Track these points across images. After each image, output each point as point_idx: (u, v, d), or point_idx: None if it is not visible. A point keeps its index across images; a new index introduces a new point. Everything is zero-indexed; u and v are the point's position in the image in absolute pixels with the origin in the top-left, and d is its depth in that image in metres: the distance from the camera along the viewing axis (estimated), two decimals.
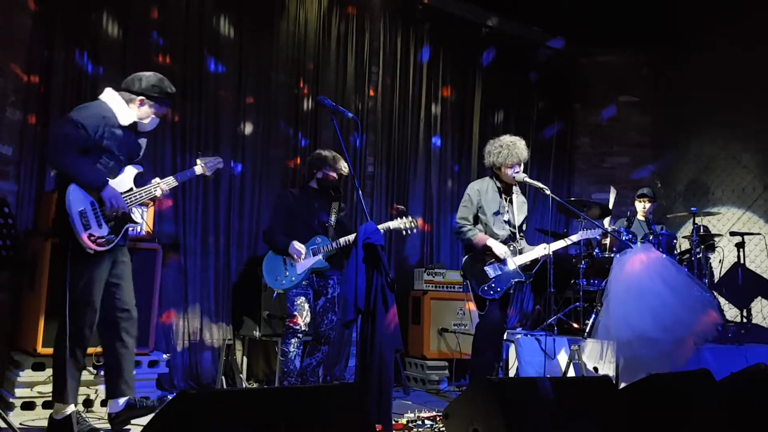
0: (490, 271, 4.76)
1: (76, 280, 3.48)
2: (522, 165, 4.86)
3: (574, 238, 5.01)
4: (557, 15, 7.63)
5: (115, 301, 3.66)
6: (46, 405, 4.09)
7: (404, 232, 4.77)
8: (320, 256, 4.66)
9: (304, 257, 4.62)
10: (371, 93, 6.69)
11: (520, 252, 4.84)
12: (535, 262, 4.93)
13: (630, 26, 7.63)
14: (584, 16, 7.54)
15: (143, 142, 3.88)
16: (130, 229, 3.74)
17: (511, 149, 4.80)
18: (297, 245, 4.62)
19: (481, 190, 4.91)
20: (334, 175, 4.83)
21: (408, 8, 7.04)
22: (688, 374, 3.42)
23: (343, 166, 4.82)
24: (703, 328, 4.33)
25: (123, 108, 3.66)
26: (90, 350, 3.95)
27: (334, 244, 4.68)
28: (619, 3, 7.13)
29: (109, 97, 3.69)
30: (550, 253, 4.79)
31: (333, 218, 4.86)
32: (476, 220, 4.92)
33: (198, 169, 4.00)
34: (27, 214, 4.72)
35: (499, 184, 4.92)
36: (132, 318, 3.72)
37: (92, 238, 3.46)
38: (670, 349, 4.22)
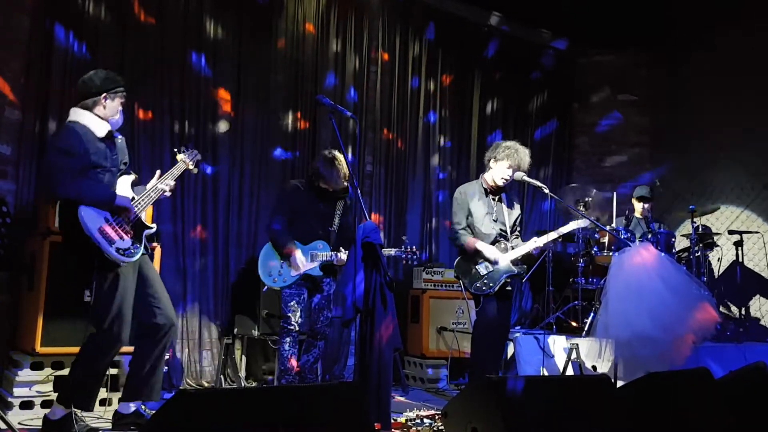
0: (482, 269, 4.81)
1: (110, 293, 3.50)
2: (515, 173, 4.87)
3: (563, 230, 5.00)
4: (557, 15, 7.63)
5: (156, 313, 3.70)
6: (44, 404, 4.08)
7: (404, 261, 4.83)
8: (317, 264, 4.64)
9: (303, 266, 4.60)
10: (369, 91, 6.69)
11: (512, 249, 4.87)
12: (529, 257, 4.95)
13: (629, 26, 7.63)
14: (583, 17, 7.54)
15: (122, 142, 3.81)
16: (147, 234, 3.74)
17: (518, 151, 4.86)
18: (299, 258, 4.58)
19: (467, 192, 4.98)
20: (330, 189, 4.75)
21: (407, 7, 7.03)
22: (686, 373, 3.42)
23: (340, 181, 4.69)
24: (701, 326, 4.34)
25: (94, 120, 3.60)
26: None
27: (333, 257, 4.64)
28: (618, 3, 7.13)
29: (77, 114, 3.62)
30: (541, 245, 4.83)
31: (336, 222, 4.82)
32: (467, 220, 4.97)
33: (181, 165, 3.96)
34: (25, 213, 4.71)
35: (485, 186, 4.97)
36: (174, 330, 3.78)
37: (120, 251, 3.48)
38: (668, 348, 4.23)
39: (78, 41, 4.99)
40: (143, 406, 3.73)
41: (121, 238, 3.51)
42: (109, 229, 3.47)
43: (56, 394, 3.65)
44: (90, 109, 3.61)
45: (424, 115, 7.10)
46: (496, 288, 4.74)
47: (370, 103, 6.69)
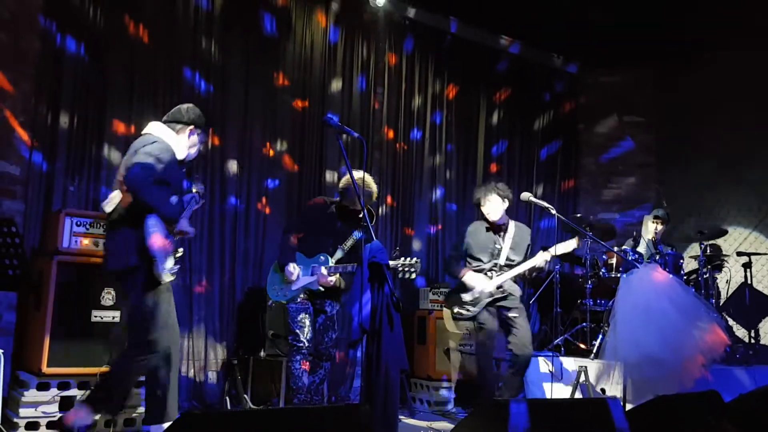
0: (467, 296, 5.02)
1: (157, 305, 3.63)
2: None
3: (539, 259, 5.02)
4: (563, 37, 7.68)
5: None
6: (50, 425, 4.07)
7: (402, 273, 4.36)
8: (315, 279, 4.59)
9: (296, 277, 4.57)
10: (375, 112, 6.72)
11: (497, 276, 5.05)
12: (535, 278, 5.14)
13: (633, 47, 7.67)
14: (589, 38, 7.58)
15: (183, 175, 4.01)
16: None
17: (480, 191, 5.21)
18: (291, 268, 4.56)
19: (471, 231, 5.26)
20: (350, 207, 4.68)
21: (415, 29, 7.09)
22: (696, 395, 3.39)
23: (357, 203, 4.54)
24: (711, 348, 4.30)
25: (178, 143, 3.80)
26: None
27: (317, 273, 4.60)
28: (621, 24, 7.17)
29: (162, 132, 3.78)
30: (528, 267, 4.97)
31: (350, 243, 4.72)
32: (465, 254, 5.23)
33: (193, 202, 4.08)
34: (33, 233, 4.73)
35: (487, 224, 5.18)
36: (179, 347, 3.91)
37: (169, 269, 3.66)
38: (678, 370, 4.19)
39: (88, 61, 5.05)
40: None
41: (168, 256, 3.66)
42: (167, 247, 3.63)
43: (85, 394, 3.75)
44: (175, 132, 3.81)
45: (430, 135, 7.13)
46: (479, 311, 4.95)
47: (377, 124, 6.73)
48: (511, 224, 5.20)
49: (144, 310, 3.59)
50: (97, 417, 3.75)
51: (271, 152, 5.99)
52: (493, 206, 5.10)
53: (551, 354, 5.34)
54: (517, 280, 5.09)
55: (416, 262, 4.31)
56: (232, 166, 5.75)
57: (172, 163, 3.69)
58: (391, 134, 6.84)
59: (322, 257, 4.64)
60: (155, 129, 3.80)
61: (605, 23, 7.11)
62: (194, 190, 4.07)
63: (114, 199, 3.68)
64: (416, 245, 6.91)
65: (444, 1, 7.02)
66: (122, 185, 3.63)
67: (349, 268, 4.50)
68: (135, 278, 3.57)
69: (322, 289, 4.60)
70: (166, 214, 3.61)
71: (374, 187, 4.65)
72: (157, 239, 3.54)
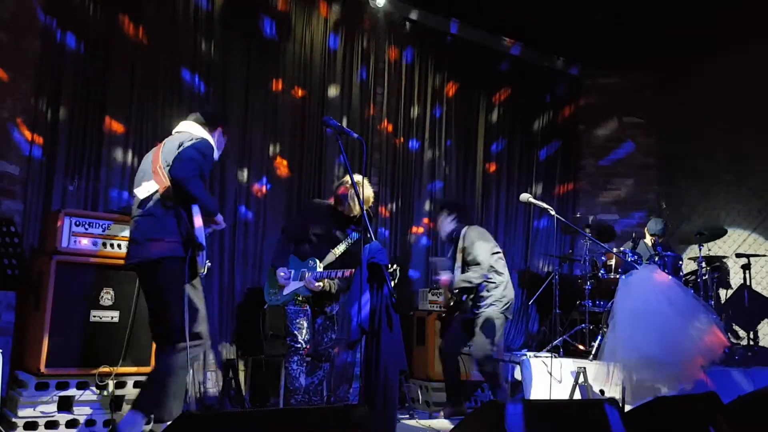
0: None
1: (198, 296, 3.72)
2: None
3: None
4: (563, 39, 7.68)
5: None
6: (48, 425, 4.07)
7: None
8: (304, 283, 4.59)
9: (286, 281, 4.59)
10: (375, 112, 6.72)
11: None
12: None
13: (634, 49, 7.67)
14: (589, 40, 7.58)
15: None
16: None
17: None
18: (281, 273, 4.58)
19: None
20: (345, 214, 4.69)
21: (415, 30, 7.10)
22: (694, 397, 3.39)
23: (354, 208, 4.62)
24: (710, 349, 4.31)
25: (213, 144, 3.85)
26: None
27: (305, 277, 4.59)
28: (623, 26, 7.17)
29: (200, 132, 3.82)
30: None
31: (341, 248, 4.71)
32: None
33: None
34: (33, 233, 4.72)
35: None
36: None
37: (207, 262, 3.74)
38: (676, 372, 4.20)
39: (88, 60, 5.05)
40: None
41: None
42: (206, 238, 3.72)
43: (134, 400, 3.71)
44: (208, 132, 3.88)
45: (429, 136, 7.12)
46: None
47: (376, 124, 6.73)
48: (462, 232, 5.48)
49: (185, 301, 3.56)
50: (148, 427, 3.68)
51: (271, 154, 5.99)
52: (440, 225, 5.66)
53: (550, 355, 5.34)
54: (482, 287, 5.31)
55: (395, 269, 3.96)
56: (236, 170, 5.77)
57: (210, 161, 3.75)
58: (390, 129, 6.84)
59: (311, 262, 4.63)
60: (193, 128, 3.83)
61: (606, 25, 7.11)
62: None
63: (148, 187, 3.66)
64: (416, 245, 6.91)
65: (445, 2, 7.03)
66: (159, 176, 3.63)
67: (333, 274, 4.53)
68: (176, 268, 3.54)
69: (310, 293, 4.59)
70: (209, 207, 3.71)
71: (370, 193, 4.65)
72: (200, 231, 3.62)
